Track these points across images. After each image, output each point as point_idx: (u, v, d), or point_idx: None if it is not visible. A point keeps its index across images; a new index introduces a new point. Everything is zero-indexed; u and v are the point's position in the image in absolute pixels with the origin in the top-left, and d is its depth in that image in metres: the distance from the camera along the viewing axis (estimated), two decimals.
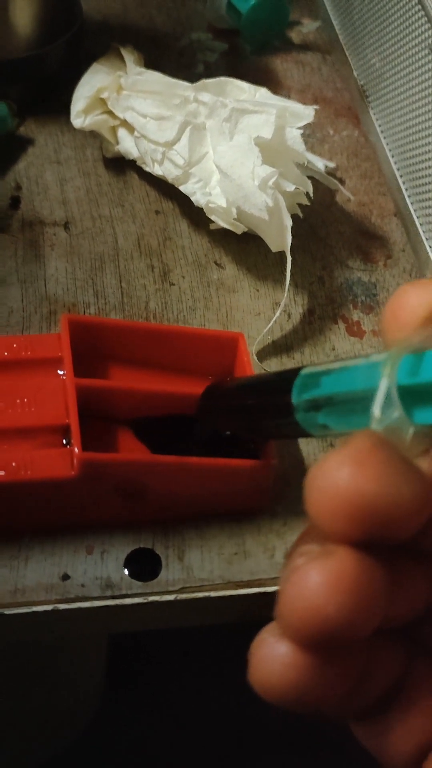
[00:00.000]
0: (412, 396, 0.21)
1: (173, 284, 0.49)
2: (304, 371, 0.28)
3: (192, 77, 0.53)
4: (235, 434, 0.38)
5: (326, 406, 0.26)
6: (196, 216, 0.52)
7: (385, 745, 0.22)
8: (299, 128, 0.47)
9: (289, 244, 0.46)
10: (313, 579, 0.19)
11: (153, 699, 0.95)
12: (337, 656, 0.20)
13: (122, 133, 0.53)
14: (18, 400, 0.38)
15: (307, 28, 0.68)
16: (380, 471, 0.19)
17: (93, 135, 0.55)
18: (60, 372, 0.39)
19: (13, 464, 0.36)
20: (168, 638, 0.93)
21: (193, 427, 0.40)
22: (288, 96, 0.62)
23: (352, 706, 0.22)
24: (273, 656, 0.20)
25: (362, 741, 0.23)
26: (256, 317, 0.48)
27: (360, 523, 0.19)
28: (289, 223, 0.46)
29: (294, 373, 0.28)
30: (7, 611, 0.36)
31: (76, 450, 0.35)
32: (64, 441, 0.38)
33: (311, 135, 0.60)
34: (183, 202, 0.52)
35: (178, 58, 0.64)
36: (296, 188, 0.48)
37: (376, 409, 0.21)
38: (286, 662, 0.20)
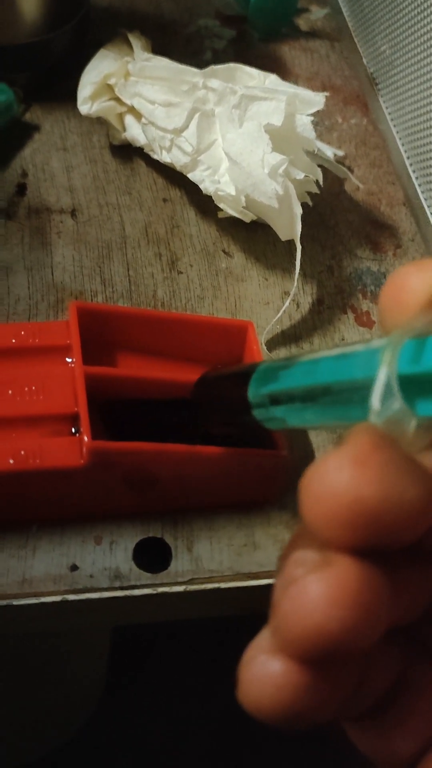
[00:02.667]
0: (414, 386, 0.19)
1: (181, 273, 0.49)
2: (262, 366, 0.27)
3: (199, 64, 0.53)
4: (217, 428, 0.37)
5: (288, 400, 0.25)
6: (203, 204, 0.52)
7: (382, 747, 0.21)
8: (309, 115, 0.47)
9: (299, 233, 0.46)
10: (313, 592, 0.17)
11: (155, 693, 0.94)
12: (335, 669, 0.19)
13: (129, 119, 0.53)
14: (26, 388, 0.38)
15: (316, 15, 0.68)
16: (383, 473, 0.17)
17: (99, 122, 0.55)
18: (68, 360, 0.39)
19: (22, 452, 0.35)
20: (171, 632, 0.93)
21: (160, 411, 0.39)
22: (296, 84, 0.61)
23: (348, 713, 0.21)
24: (266, 675, 0.18)
25: (357, 742, 0.22)
26: (265, 306, 0.48)
27: (361, 529, 0.17)
28: (299, 211, 0.46)
29: (253, 367, 0.27)
30: (15, 602, 0.35)
31: (86, 438, 0.35)
32: (73, 429, 0.37)
33: (319, 123, 0.59)
34: (190, 190, 0.52)
35: (185, 44, 0.63)
36: (306, 176, 0.47)
37: (375, 401, 0.19)
38: (280, 681, 0.18)
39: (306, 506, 0.18)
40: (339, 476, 0.17)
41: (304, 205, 0.48)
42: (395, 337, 0.20)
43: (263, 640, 0.19)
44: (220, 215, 0.50)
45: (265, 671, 0.18)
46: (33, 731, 0.85)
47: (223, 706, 0.92)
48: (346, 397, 0.22)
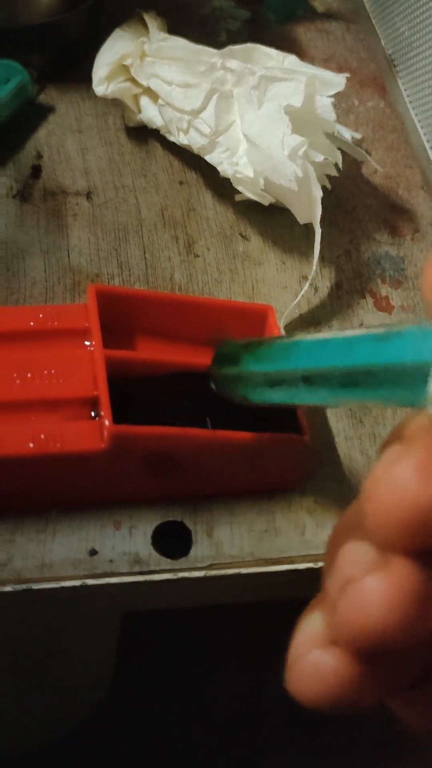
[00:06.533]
0: None
1: (198, 256, 0.48)
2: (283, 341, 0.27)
3: (214, 45, 0.52)
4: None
5: (322, 382, 0.25)
6: (220, 187, 0.51)
7: (423, 716, 0.21)
8: (330, 96, 0.46)
9: (319, 216, 0.45)
10: (373, 593, 0.18)
11: (163, 680, 0.94)
12: (389, 659, 0.19)
13: (145, 101, 0.52)
14: (45, 371, 0.37)
15: None
16: None
17: (114, 103, 0.54)
18: (86, 343, 0.38)
19: (42, 436, 0.35)
20: (181, 617, 0.93)
21: (171, 387, 0.39)
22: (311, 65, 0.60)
23: (394, 691, 0.21)
24: (322, 669, 0.19)
25: (399, 714, 0.22)
26: (283, 290, 0.48)
27: (423, 535, 0.18)
28: (319, 194, 0.45)
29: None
30: (35, 586, 0.35)
31: (107, 422, 0.35)
32: (92, 413, 0.37)
33: (336, 106, 0.58)
34: (207, 173, 0.51)
35: (200, 26, 0.63)
36: (325, 159, 0.47)
37: None
38: (337, 674, 0.19)
39: (370, 511, 0.18)
40: (406, 485, 0.18)
41: (322, 188, 0.47)
42: None
43: (312, 633, 0.20)
44: (237, 198, 0.50)
45: (321, 665, 0.19)
46: (40, 718, 0.85)
47: (232, 691, 0.92)
48: (391, 380, 0.21)
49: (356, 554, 0.19)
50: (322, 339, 0.27)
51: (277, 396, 0.30)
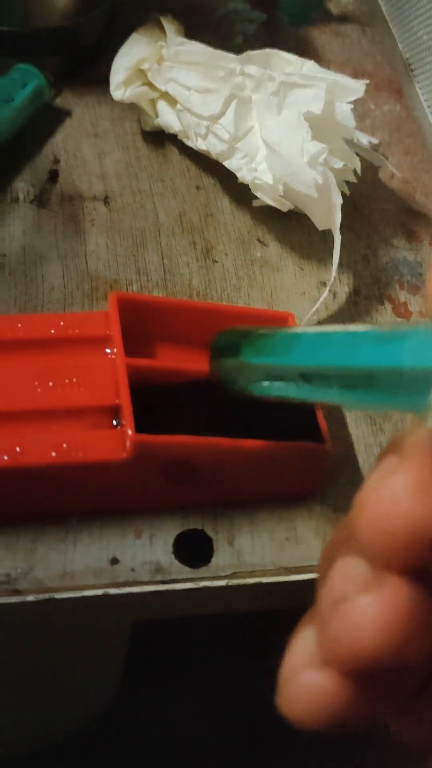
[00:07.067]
0: None
1: (216, 261, 0.48)
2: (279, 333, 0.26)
3: (230, 48, 0.52)
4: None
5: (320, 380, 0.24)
6: (237, 192, 0.51)
7: (418, 727, 0.21)
8: (349, 103, 0.46)
9: (339, 223, 0.45)
10: (366, 614, 0.17)
11: (171, 683, 0.94)
12: (383, 679, 0.19)
13: (162, 105, 0.52)
14: (66, 380, 0.37)
15: None
16: None
17: (131, 107, 0.54)
18: (107, 350, 0.38)
19: (64, 445, 0.35)
20: (190, 622, 0.93)
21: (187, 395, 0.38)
22: (327, 69, 0.60)
23: (391, 707, 0.21)
24: (314, 690, 0.19)
25: (397, 728, 0.21)
26: (301, 296, 0.47)
27: (417, 552, 0.17)
28: (339, 201, 0.45)
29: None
30: (57, 595, 0.35)
31: (129, 432, 0.34)
32: (114, 422, 0.37)
33: (352, 110, 0.58)
34: (224, 178, 0.51)
35: (215, 29, 0.62)
36: (344, 165, 0.47)
37: None
38: (329, 695, 0.18)
39: (362, 525, 0.18)
40: (400, 500, 0.17)
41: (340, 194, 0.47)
42: None
43: (304, 653, 0.19)
44: (255, 204, 0.49)
45: (313, 686, 0.19)
46: (48, 719, 0.85)
47: (241, 695, 0.92)
48: (391, 384, 0.20)
49: (349, 570, 0.19)
50: (323, 333, 0.26)
51: (276, 391, 0.29)
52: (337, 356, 0.24)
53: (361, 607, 0.17)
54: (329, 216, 0.46)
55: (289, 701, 0.19)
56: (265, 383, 0.30)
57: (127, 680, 0.88)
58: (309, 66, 0.49)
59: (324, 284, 0.48)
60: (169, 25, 0.54)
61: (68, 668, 0.77)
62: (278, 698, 0.19)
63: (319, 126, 0.46)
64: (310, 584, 0.37)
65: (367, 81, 0.47)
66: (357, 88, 0.47)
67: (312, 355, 0.26)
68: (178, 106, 0.50)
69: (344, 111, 0.46)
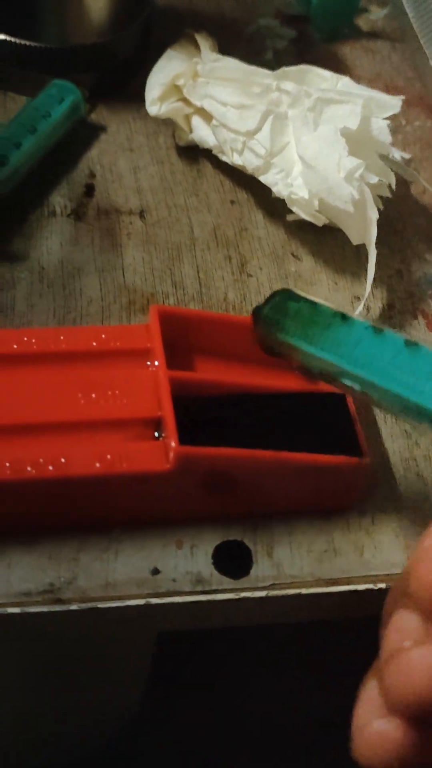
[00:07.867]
0: None
1: (251, 276, 0.49)
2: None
3: (261, 64, 0.53)
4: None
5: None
6: (271, 207, 0.52)
7: None
8: (385, 119, 0.47)
9: (374, 238, 0.46)
10: (417, 666, 0.19)
11: (195, 696, 0.94)
12: None
13: (196, 121, 0.53)
14: (109, 392, 0.38)
15: (376, 15, 0.67)
16: None
17: (165, 122, 0.55)
18: (148, 363, 0.39)
19: (108, 457, 0.35)
20: (214, 634, 0.93)
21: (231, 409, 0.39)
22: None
23: None
24: (385, 738, 0.20)
25: None
26: None
27: None
28: (374, 216, 0.45)
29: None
30: (100, 605, 0.35)
31: (173, 443, 0.35)
32: (156, 433, 0.37)
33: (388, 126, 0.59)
34: (257, 192, 0.52)
35: (246, 44, 0.63)
36: (379, 180, 0.47)
37: None
38: (399, 741, 0.20)
39: (414, 583, 0.20)
40: None
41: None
42: None
43: (371, 702, 0.21)
44: (289, 218, 0.50)
45: (380, 734, 0.20)
46: (71, 733, 0.85)
47: (265, 709, 0.92)
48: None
49: (404, 624, 0.21)
50: (380, 335, 0.27)
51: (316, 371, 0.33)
52: (397, 379, 0.25)
53: (413, 659, 0.19)
54: (364, 231, 0.46)
55: (360, 749, 0.21)
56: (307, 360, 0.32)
57: (151, 693, 0.88)
58: (344, 82, 0.50)
59: (358, 298, 0.48)
60: (204, 42, 0.54)
61: (90, 681, 0.77)
62: (352, 747, 0.21)
63: (355, 141, 0.46)
64: (348, 596, 0.38)
65: (403, 97, 0.48)
66: (393, 103, 0.47)
67: (366, 361, 0.27)
68: (214, 122, 0.50)
69: (380, 127, 0.47)
